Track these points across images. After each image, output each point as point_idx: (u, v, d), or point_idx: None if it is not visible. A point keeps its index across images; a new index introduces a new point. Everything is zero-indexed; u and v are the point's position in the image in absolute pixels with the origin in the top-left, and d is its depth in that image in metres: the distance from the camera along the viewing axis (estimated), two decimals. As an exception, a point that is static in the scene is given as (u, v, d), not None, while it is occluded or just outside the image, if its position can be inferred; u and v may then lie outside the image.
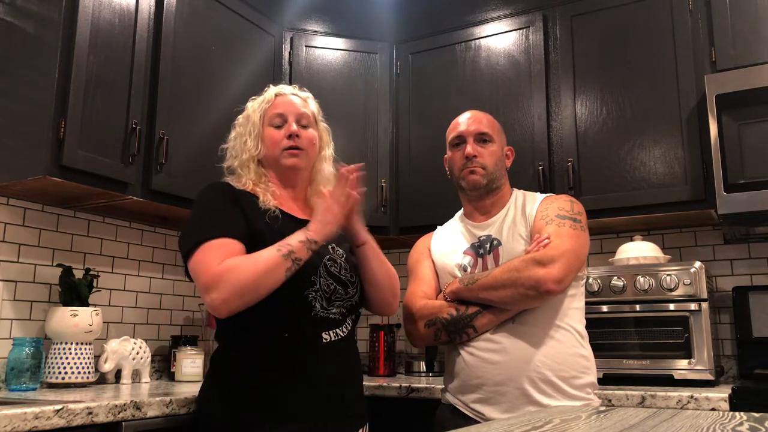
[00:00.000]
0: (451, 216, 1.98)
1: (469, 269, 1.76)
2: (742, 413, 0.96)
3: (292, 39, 2.85)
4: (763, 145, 2.16)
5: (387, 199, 2.82)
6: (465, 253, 1.79)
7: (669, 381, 2.13)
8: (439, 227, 1.97)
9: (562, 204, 1.75)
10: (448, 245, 1.85)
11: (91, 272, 2.20)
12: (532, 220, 1.73)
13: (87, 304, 2.10)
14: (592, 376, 1.71)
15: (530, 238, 1.70)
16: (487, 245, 1.76)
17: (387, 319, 2.90)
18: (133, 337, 2.33)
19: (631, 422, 0.85)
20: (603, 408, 1.04)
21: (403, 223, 2.80)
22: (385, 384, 2.31)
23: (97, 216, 2.36)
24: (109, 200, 2.17)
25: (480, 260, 1.76)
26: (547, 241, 1.62)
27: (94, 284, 2.18)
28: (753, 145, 2.18)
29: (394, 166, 2.88)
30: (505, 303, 1.62)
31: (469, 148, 1.80)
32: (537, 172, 2.50)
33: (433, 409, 1.86)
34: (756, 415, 0.97)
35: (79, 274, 2.17)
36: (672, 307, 2.18)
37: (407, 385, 2.26)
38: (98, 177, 2.00)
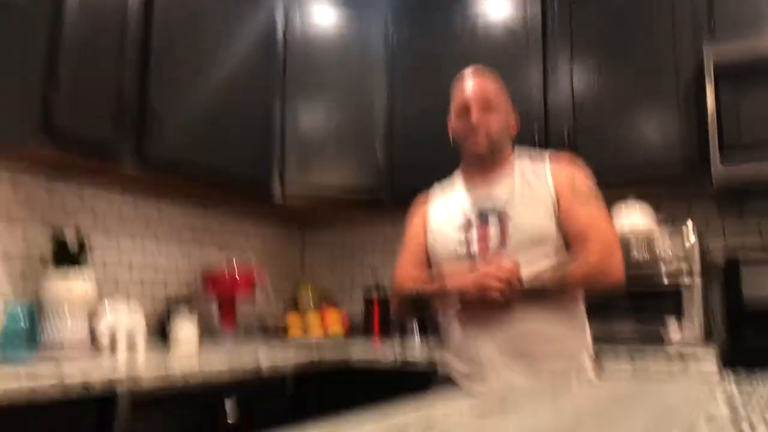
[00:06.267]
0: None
1: (465, 242, 1.74)
2: (731, 376, 0.97)
3: (286, 8, 2.80)
4: (761, 115, 2.15)
5: (382, 167, 2.80)
6: (462, 225, 1.78)
7: (661, 348, 2.16)
8: (438, 186, 1.94)
9: (586, 177, 1.74)
10: (445, 212, 1.83)
11: (84, 240, 2.19)
12: (552, 187, 1.70)
13: (80, 272, 2.10)
14: (587, 346, 1.72)
15: (554, 209, 1.69)
16: (491, 213, 1.73)
17: (381, 287, 2.92)
18: (128, 304, 2.34)
19: (625, 392, 0.86)
20: (595, 378, 1.05)
21: (398, 191, 2.79)
22: (379, 355, 2.33)
23: (89, 185, 2.35)
24: (102, 169, 2.16)
25: (475, 231, 1.75)
26: None
27: (88, 252, 2.18)
28: (750, 115, 2.16)
29: (389, 134, 2.85)
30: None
31: (474, 117, 1.75)
32: (533, 141, 2.48)
33: (427, 379, 1.88)
34: (745, 377, 0.98)
35: (71, 242, 2.16)
36: (665, 278, 2.20)
37: (402, 357, 2.27)
38: (90, 146, 1.98)
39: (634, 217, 2.39)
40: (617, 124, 2.41)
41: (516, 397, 0.76)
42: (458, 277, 1.68)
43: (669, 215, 2.61)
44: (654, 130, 2.35)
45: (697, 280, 2.16)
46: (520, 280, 1.60)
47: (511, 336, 1.64)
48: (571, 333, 1.68)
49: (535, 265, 1.65)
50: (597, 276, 1.60)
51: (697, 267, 2.17)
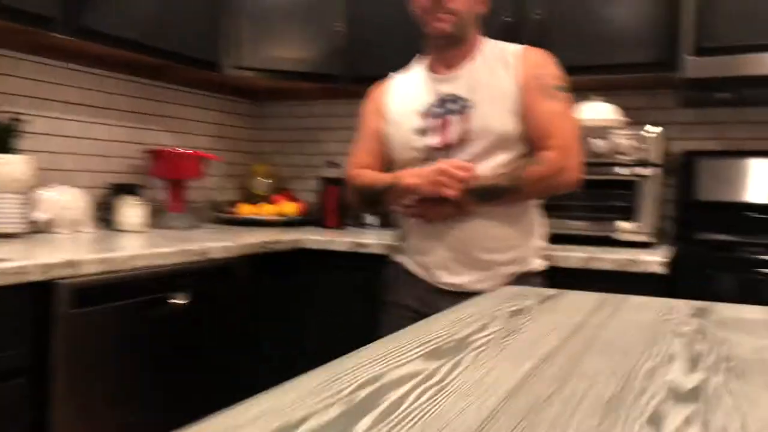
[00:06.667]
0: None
1: (424, 134, 1.66)
2: (685, 303, 0.96)
3: None
4: (739, 8, 2.06)
5: (341, 45, 2.64)
6: (421, 115, 1.69)
7: (612, 242, 2.18)
8: (397, 75, 1.83)
9: (555, 71, 1.63)
10: (405, 102, 1.73)
11: (20, 116, 2.03)
12: (518, 79, 1.60)
13: (15, 151, 1.96)
14: (539, 242, 1.71)
15: (518, 102, 1.59)
16: (452, 105, 1.64)
17: (338, 172, 2.84)
18: (70, 186, 2.22)
19: (575, 319, 0.83)
20: (551, 293, 1.03)
21: (358, 72, 2.63)
22: (334, 239, 2.30)
23: (21, 54, 2.14)
24: (33, 37, 1.96)
25: (439, 121, 1.65)
26: None
27: (23, 129, 2.02)
28: (728, 8, 2.08)
29: (351, 7, 2.66)
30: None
31: None
32: (502, 25, 2.35)
33: (380, 263, 1.86)
34: (699, 305, 0.96)
35: (4, 117, 2.00)
36: (623, 171, 2.18)
37: (356, 240, 2.25)
38: (16, 11, 1.77)
39: (597, 110, 2.34)
40: (591, 9, 2.29)
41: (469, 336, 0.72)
42: (412, 173, 1.62)
43: (632, 108, 2.56)
44: (628, 17, 2.25)
45: (654, 172, 2.16)
46: (476, 178, 1.55)
47: (461, 236, 1.61)
48: (521, 234, 1.65)
49: (495, 160, 1.60)
50: (554, 177, 1.56)
51: (654, 159, 2.15)
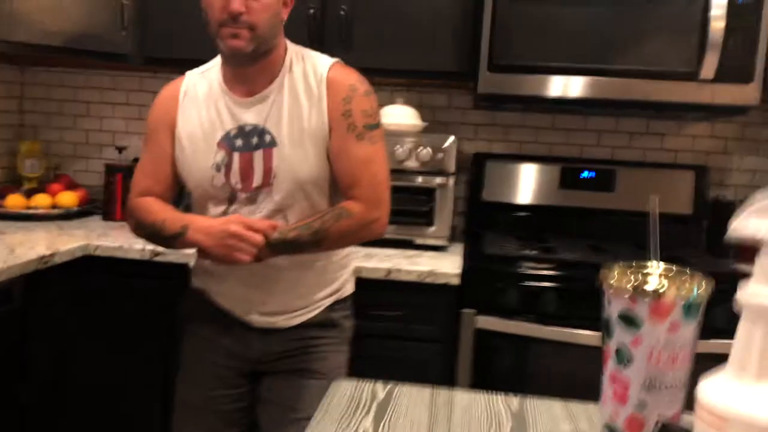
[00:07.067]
0: (214, 55, 1.57)
1: (223, 170, 1.50)
2: (505, 409, 1.01)
3: None
4: (531, 30, 2.19)
5: (130, 18, 2.34)
6: (218, 146, 1.51)
7: (411, 245, 2.29)
8: (191, 78, 1.58)
9: (366, 104, 1.52)
10: (200, 126, 1.52)
11: None
12: (326, 116, 1.48)
13: None
14: (352, 267, 1.70)
15: (326, 141, 1.48)
16: (254, 140, 1.49)
17: (125, 157, 2.59)
18: None
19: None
20: (383, 394, 1.04)
21: (152, 52, 2.37)
22: (125, 245, 2.10)
23: None
24: None
25: (238, 157, 1.49)
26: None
27: None
28: (523, 27, 2.19)
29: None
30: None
31: (236, 4, 1.38)
32: (307, 19, 2.26)
33: (180, 274, 1.73)
34: (515, 407, 1.03)
35: None
36: (420, 178, 2.28)
37: (150, 247, 2.08)
38: None
39: (398, 114, 2.40)
40: (396, 7, 2.29)
41: None
42: (202, 227, 1.45)
43: (431, 107, 2.65)
44: (432, 22, 2.29)
45: (451, 182, 2.29)
46: (274, 232, 1.45)
47: (272, 285, 1.54)
48: (336, 269, 1.61)
49: (300, 207, 1.51)
50: (359, 231, 1.51)
51: (450, 167, 2.28)
